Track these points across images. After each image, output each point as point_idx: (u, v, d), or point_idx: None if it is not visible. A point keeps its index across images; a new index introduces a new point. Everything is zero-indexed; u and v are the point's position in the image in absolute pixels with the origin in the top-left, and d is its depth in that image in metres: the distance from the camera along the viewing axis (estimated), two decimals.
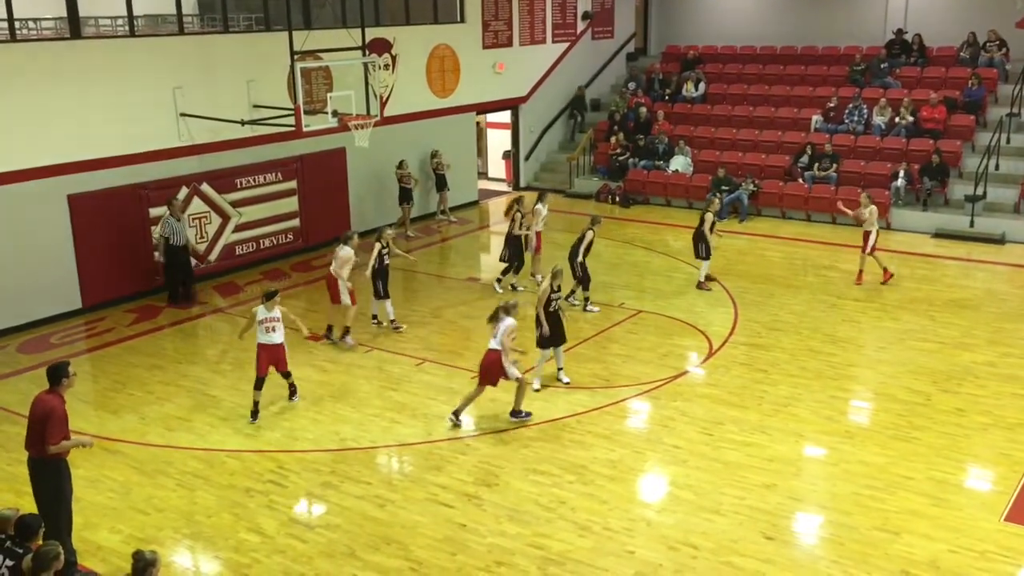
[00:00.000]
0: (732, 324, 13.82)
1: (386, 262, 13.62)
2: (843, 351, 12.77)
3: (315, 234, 17.98)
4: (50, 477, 7.99)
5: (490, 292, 15.46)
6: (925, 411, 10.87)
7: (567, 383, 11.76)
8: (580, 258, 14.23)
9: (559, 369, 11.91)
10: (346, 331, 13.26)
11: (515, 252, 15.35)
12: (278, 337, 11.01)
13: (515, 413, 10.85)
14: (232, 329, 14.22)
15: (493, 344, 10.60)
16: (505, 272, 15.51)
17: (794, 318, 14.01)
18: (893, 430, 10.42)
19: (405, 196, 18.96)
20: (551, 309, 11.54)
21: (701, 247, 15.27)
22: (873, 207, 15.48)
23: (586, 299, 14.55)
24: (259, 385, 11.00)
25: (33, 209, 13.89)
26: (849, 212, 15.94)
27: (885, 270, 15.51)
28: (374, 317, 14.06)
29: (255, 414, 11.03)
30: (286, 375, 11.41)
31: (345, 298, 13.04)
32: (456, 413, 10.81)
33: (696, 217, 15.84)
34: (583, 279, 14.40)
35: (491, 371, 10.61)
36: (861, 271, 15.65)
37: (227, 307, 15.24)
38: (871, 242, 15.32)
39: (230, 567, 8.20)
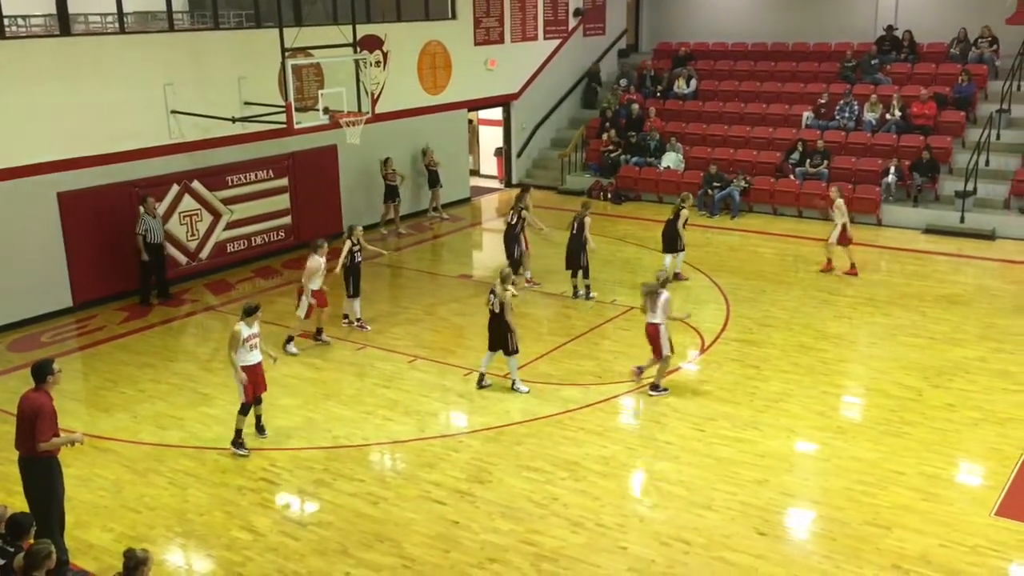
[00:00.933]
0: (724, 320, 13.85)
1: (357, 260, 13.56)
2: (834, 347, 12.81)
3: (307, 231, 17.90)
4: (41, 475, 7.97)
5: (483, 289, 15.44)
6: (916, 406, 10.91)
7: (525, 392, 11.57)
8: (591, 244, 14.67)
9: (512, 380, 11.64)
10: (289, 339, 12.94)
11: (517, 248, 15.27)
12: (259, 355, 10.22)
13: (655, 387, 11.37)
14: (223, 327, 14.18)
15: (652, 319, 11.20)
16: (516, 268, 15.30)
17: (786, 314, 14.05)
18: (884, 425, 10.46)
19: (391, 194, 18.88)
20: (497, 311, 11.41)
21: (677, 242, 15.49)
22: (840, 200, 15.77)
23: (587, 287, 14.86)
24: (246, 411, 10.21)
25: (23, 207, 13.82)
26: (828, 206, 16.28)
27: (852, 264, 15.85)
28: (345, 316, 14.01)
29: (242, 444, 10.13)
30: (258, 402, 10.42)
31: (301, 310, 12.83)
32: (655, 386, 11.36)
33: (691, 216, 15.85)
34: (584, 267, 14.73)
35: (654, 342, 11.25)
36: (853, 262, 15.87)
37: (218, 305, 15.20)
38: (846, 233, 15.66)
39: (222, 565, 8.19)
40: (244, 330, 10.03)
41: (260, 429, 10.48)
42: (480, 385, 11.60)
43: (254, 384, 10.17)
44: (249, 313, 10.09)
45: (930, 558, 8.02)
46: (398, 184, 18.94)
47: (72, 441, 8.13)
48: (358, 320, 13.86)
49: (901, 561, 7.99)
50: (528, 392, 11.46)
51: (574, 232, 14.65)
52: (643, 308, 11.44)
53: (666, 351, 11.30)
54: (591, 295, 14.87)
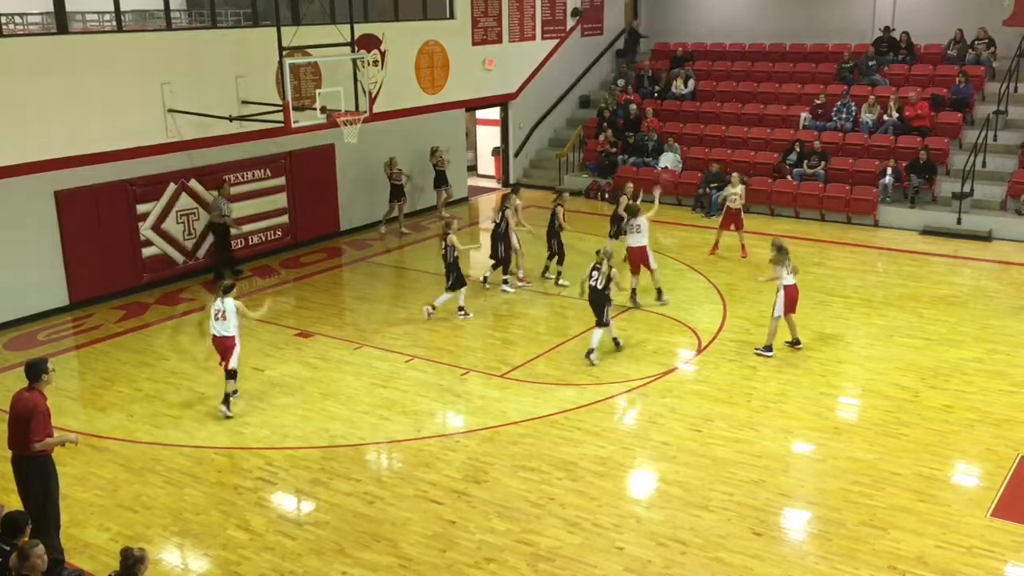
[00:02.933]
0: (721, 321, 13.86)
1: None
2: (831, 348, 12.82)
3: (304, 231, 17.96)
4: (36, 475, 7.95)
5: (479, 289, 15.44)
6: (912, 407, 10.93)
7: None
8: (532, 230, 15.51)
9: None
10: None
11: (506, 247, 15.32)
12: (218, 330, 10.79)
13: (768, 348, 12.34)
14: None
15: (788, 280, 12.16)
16: (496, 266, 15.46)
17: None
18: (881, 426, 10.47)
19: (396, 193, 18.88)
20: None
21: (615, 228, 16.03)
22: (742, 186, 16.99)
23: (558, 273, 15.40)
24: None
25: (20, 205, 13.80)
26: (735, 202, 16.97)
27: (743, 246, 16.94)
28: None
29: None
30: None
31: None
32: (794, 343, 12.42)
33: (688, 216, 15.90)
34: (559, 254, 15.37)
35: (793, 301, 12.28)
36: (744, 244, 16.98)
37: None
38: (740, 217, 16.87)
39: (219, 564, 8.18)
40: (218, 304, 10.81)
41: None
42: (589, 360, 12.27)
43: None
44: (227, 291, 10.91)
45: (926, 559, 8.03)
46: (404, 184, 18.92)
47: (65, 441, 8.13)
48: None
49: (897, 562, 8.00)
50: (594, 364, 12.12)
51: (549, 222, 15.40)
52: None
53: (779, 311, 12.18)
54: (560, 282, 15.42)
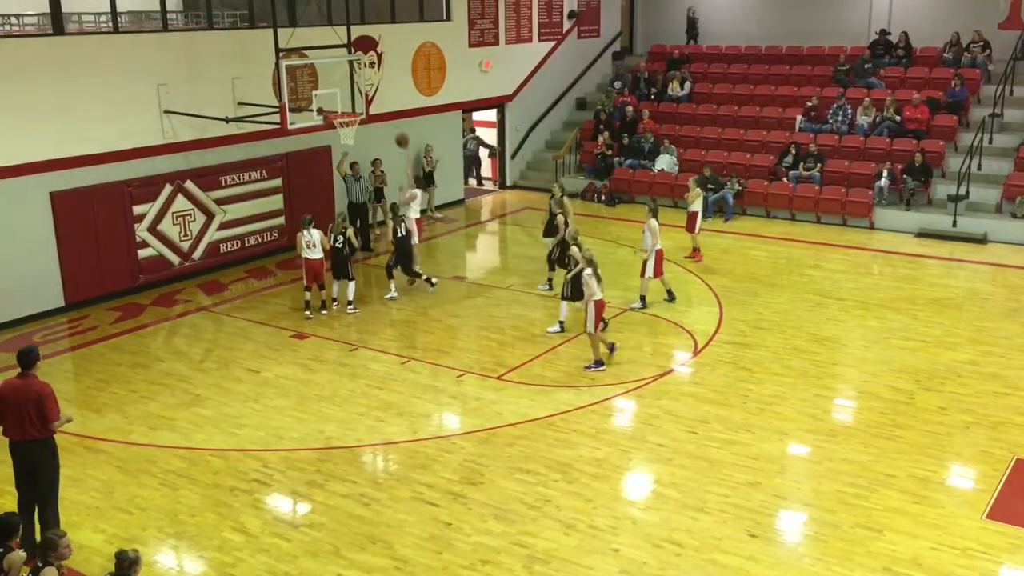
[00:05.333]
0: (717, 323, 13.87)
1: (338, 245, 14.31)
2: (827, 350, 12.84)
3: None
4: (49, 456, 8.19)
5: (476, 291, 15.45)
6: (908, 409, 10.94)
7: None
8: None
9: None
10: (349, 302, 14.38)
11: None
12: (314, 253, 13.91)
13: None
14: (216, 327, 14.18)
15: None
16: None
17: (778, 317, 14.08)
18: (876, 428, 10.49)
19: (377, 196, 18.71)
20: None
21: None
22: (698, 189, 16.76)
23: (549, 279, 15.41)
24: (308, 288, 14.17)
25: (15, 206, 13.78)
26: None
27: (695, 249, 16.93)
28: (333, 300, 14.54)
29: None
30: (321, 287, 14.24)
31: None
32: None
33: (683, 219, 15.89)
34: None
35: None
36: (696, 249, 16.93)
37: (211, 305, 15.16)
38: (697, 222, 16.67)
39: (214, 566, 8.17)
40: (304, 235, 13.86)
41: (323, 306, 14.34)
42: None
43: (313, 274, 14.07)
44: (309, 223, 13.93)
45: (921, 561, 8.04)
46: (384, 187, 18.77)
47: (69, 418, 8.44)
48: (348, 303, 14.59)
49: (892, 564, 8.01)
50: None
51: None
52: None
53: (590, 328, 12.07)
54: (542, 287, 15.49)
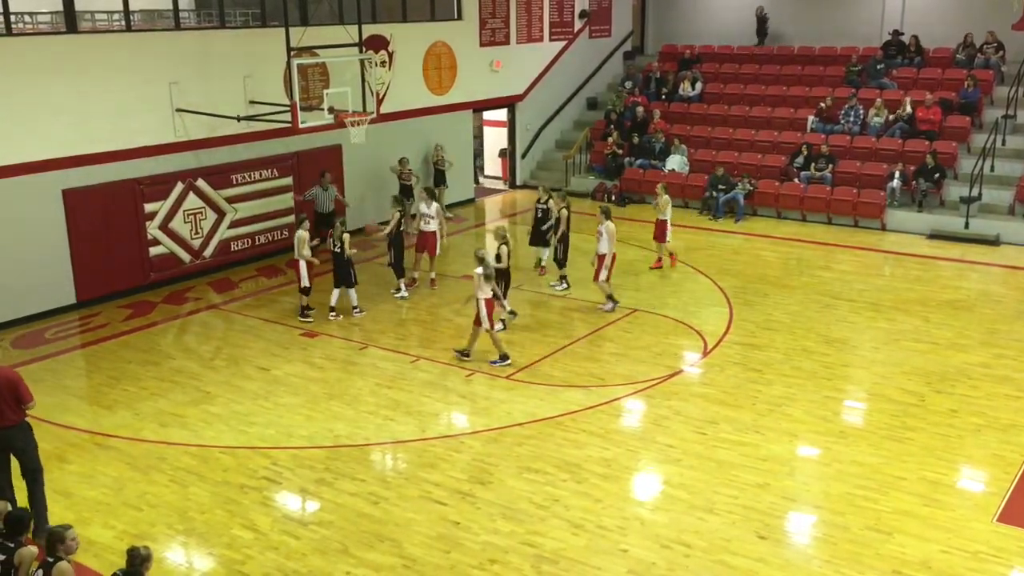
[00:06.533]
0: (727, 324, 13.84)
1: (337, 250, 14.05)
2: (837, 351, 12.79)
3: (311, 231, 17.89)
4: (30, 437, 8.51)
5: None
6: (918, 412, 10.90)
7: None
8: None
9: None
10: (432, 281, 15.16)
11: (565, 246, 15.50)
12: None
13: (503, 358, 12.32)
14: (226, 325, 14.23)
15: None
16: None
17: (788, 318, 14.04)
18: (886, 430, 10.45)
19: (406, 194, 18.80)
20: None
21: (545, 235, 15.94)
22: (666, 196, 16.19)
23: (562, 277, 15.45)
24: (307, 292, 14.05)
25: (27, 204, 13.84)
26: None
27: (660, 259, 16.48)
28: (331, 309, 14.29)
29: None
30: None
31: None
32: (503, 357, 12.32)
33: (694, 218, 15.87)
34: (564, 257, 15.43)
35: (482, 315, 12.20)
36: (662, 257, 16.50)
37: (221, 303, 15.21)
38: (667, 231, 16.18)
39: (223, 563, 8.20)
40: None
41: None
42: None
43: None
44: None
45: (931, 564, 8.01)
46: (412, 184, 18.89)
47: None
48: (354, 307, 14.36)
49: (902, 567, 7.97)
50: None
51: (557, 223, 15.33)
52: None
53: (486, 325, 12.10)
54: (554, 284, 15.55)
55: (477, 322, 12.25)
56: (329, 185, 16.89)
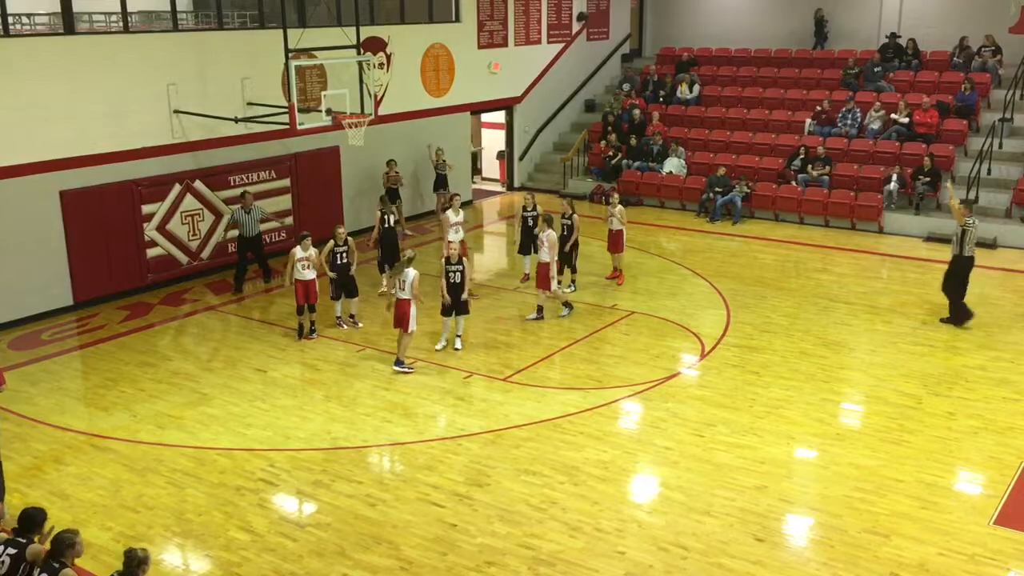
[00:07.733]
0: (724, 326, 13.85)
1: (339, 261, 13.72)
2: (835, 354, 12.80)
3: (309, 232, 17.90)
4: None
5: (484, 292, 15.44)
6: (916, 414, 10.91)
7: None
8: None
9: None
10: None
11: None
12: (310, 274, 13.18)
13: (399, 363, 12.28)
14: (224, 327, 14.23)
15: (402, 295, 12.05)
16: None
17: (786, 320, 14.05)
18: (884, 433, 10.46)
19: (392, 197, 18.70)
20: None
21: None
22: (621, 206, 15.59)
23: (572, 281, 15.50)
24: (300, 312, 13.38)
25: (25, 205, 13.83)
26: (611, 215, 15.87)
27: (616, 271, 15.94)
28: (351, 316, 14.13)
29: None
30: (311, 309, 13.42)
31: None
32: (399, 362, 12.27)
33: (692, 221, 15.87)
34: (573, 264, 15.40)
35: (403, 318, 12.09)
36: (617, 270, 15.92)
37: (219, 305, 15.20)
38: (621, 240, 15.62)
39: (220, 565, 8.19)
40: (299, 252, 13.13)
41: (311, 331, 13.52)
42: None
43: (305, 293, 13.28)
44: (300, 240, 13.27)
45: (928, 566, 8.02)
46: (399, 188, 18.83)
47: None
48: (351, 316, 14.13)
49: (899, 569, 7.98)
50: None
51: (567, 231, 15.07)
52: (392, 285, 12.38)
53: (412, 327, 12.12)
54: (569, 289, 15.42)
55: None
56: (252, 207, 15.59)
